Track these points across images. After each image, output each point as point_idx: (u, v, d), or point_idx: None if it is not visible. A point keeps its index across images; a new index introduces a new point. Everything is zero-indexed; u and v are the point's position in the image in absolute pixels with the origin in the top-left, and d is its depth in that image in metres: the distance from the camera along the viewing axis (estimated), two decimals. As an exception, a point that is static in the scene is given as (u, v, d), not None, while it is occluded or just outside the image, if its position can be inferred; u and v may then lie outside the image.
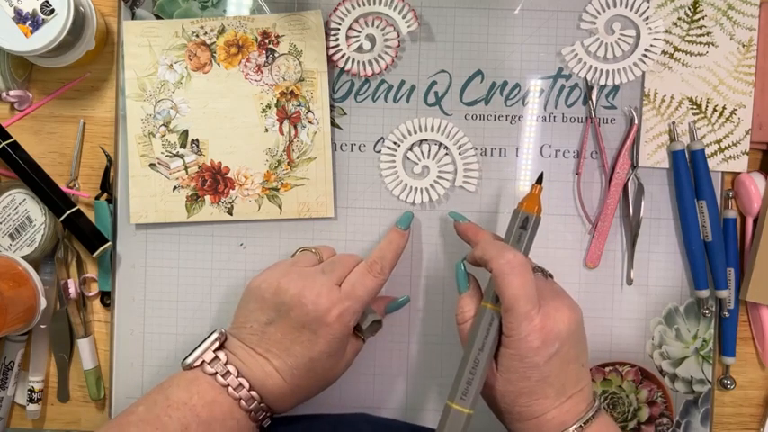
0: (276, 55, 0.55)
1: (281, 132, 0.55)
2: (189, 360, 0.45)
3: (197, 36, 0.54)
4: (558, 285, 0.47)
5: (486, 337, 0.43)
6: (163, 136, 0.55)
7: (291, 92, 0.55)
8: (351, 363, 0.50)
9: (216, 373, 0.45)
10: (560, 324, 0.42)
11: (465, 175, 0.55)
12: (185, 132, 0.55)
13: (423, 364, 0.56)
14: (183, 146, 0.55)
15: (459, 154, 0.55)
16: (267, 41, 0.55)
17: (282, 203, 0.55)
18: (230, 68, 0.55)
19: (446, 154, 0.55)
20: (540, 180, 0.47)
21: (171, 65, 0.55)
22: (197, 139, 0.55)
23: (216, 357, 0.45)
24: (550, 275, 0.48)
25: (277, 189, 0.55)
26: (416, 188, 0.55)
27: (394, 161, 0.55)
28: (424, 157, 0.55)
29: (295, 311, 0.46)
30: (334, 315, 0.45)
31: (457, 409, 0.43)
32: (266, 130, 0.55)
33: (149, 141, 0.55)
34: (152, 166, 0.55)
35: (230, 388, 0.44)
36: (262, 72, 0.55)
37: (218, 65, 0.55)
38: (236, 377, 0.45)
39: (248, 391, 0.45)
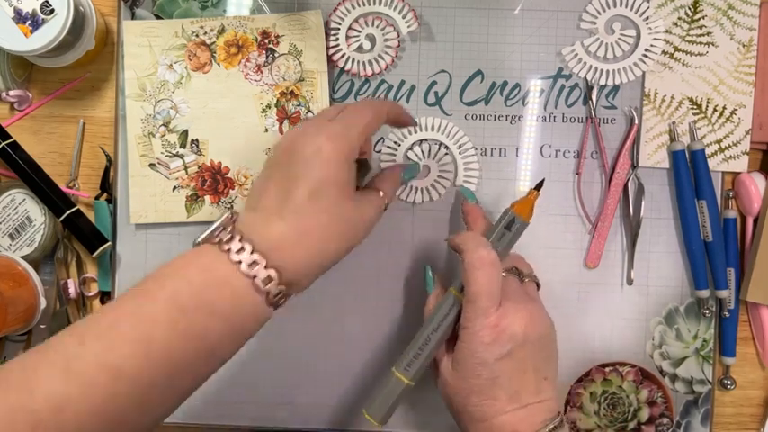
0: (276, 55, 0.55)
1: (282, 132, 0.55)
2: (199, 239, 0.42)
3: (197, 36, 0.54)
4: (534, 294, 0.47)
5: (443, 320, 0.45)
6: (163, 136, 0.55)
7: (291, 92, 0.55)
8: (371, 220, 0.45)
9: (221, 240, 0.40)
10: (516, 326, 0.42)
11: (465, 175, 0.55)
12: (185, 132, 0.55)
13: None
14: (183, 146, 0.55)
15: (460, 153, 0.55)
16: (267, 41, 0.55)
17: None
18: (230, 68, 0.55)
19: (446, 153, 0.55)
20: (539, 186, 0.47)
21: (171, 65, 0.55)
22: (197, 139, 0.55)
23: (223, 229, 0.41)
24: (537, 283, 0.48)
25: None
26: (417, 188, 0.55)
27: (394, 161, 0.55)
28: (424, 157, 0.55)
29: (286, 152, 0.42)
30: (321, 140, 0.41)
31: (398, 377, 0.45)
32: (266, 130, 0.55)
33: (149, 141, 0.55)
34: (152, 166, 0.55)
35: (232, 252, 0.39)
36: (262, 72, 0.55)
37: (218, 65, 0.55)
38: (239, 241, 0.39)
39: (251, 253, 0.39)
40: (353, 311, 0.56)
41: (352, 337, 0.56)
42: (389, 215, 0.55)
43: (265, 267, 0.39)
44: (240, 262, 0.39)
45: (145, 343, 0.36)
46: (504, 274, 0.45)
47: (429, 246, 0.56)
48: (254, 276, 0.39)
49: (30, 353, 0.36)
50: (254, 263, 0.39)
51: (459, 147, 0.55)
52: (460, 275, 0.45)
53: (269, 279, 0.39)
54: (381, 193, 0.47)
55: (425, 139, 0.55)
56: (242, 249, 0.39)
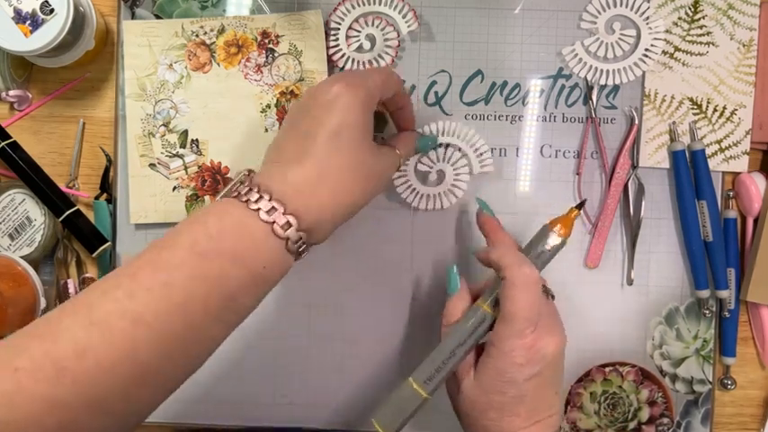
0: (276, 55, 0.55)
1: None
2: (219, 196, 0.42)
3: (197, 36, 0.54)
4: (554, 308, 0.46)
5: (472, 335, 0.43)
6: (162, 136, 0.55)
7: (291, 92, 0.55)
8: (387, 172, 0.46)
9: (239, 193, 0.40)
10: (549, 347, 0.42)
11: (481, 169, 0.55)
12: (185, 132, 0.55)
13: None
14: (183, 146, 0.55)
15: (477, 157, 0.54)
16: (267, 41, 0.55)
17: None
18: (230, 68, 0.55)
19: (461, 156, 0.54)
20: (580, 206, 0.46)
21: (171, 65, 0.55)
22: (197, 139, 0.55)
23: (241, 183, 0.41)
24: (552, 296, 0.48)
25: None
26: (430, 195, 0.55)
27: (406, 166, 0.55)
28: (438, 161, 0.55)
29: (305, 103, 0.43)
30: (338, 86, 0.42)
31: (416, 390, 0.43)
32: (266, 130, 0.55)
33: (149, 141, 0.55)
34: (152, 166, 0.55)
35: (251, 202, 0.39)
36: (261, 72, 0.55)
37: (218, 65, 0.55)
38: (257, 192, 0.39)
39: (269, 200, 0.39)
40: (353, 310, 0.56)
41: (351, 336, 0.56)
42: (389, 215, 0.56)
43: (284, 213, 0.39)
44: (259, 210, 0.39)
45: (164, 289, 0.36)
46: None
47: (430, 243, 0.56)
48: (273, 222, 0.39)
49: (55, 309, 0.37)
50: (273, 209, 0.39)
51: (475, 150, 0.54)
52: (493, 290, 0.44)
53: (288, 225, 0.39)
54: (398, 151, 0.47)
55: (442, 143, 0.55)
56: (260, 198, 0.39)
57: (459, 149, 0.55)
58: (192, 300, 0.36)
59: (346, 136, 0.41)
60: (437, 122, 0.54)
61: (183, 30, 0.54)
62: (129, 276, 0.37)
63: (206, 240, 0.38)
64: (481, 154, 0.54)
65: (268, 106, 0.55)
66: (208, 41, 0.54)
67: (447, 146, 0.55)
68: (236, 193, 0.40)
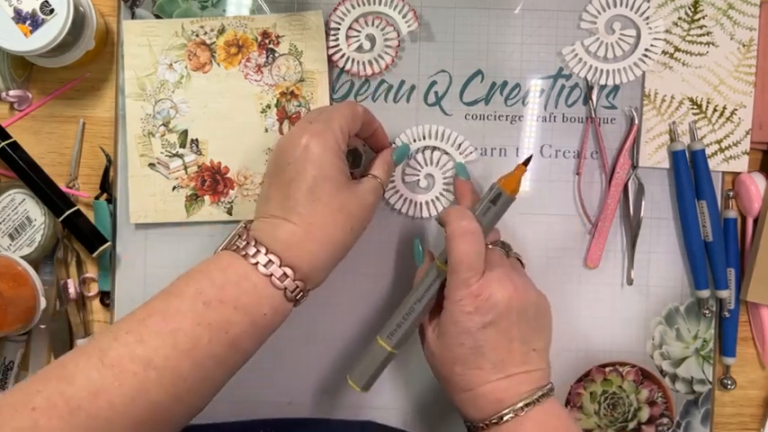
0: (276, 55, 0.55)
1: (281, 133, 0.55)
2: (219, 248, 0.45)
3: (197, 36, 0.54)
4: (520, 269, 0.48)
5: (427, 290, 0.46)
6: (162, 136, 0.55)
7: (291, 92, 0.55)
8: (371, 204, 0.47)
9: (237, 247, 0.43)
10: (498, 295, 0.43)
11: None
12: (185, 132, 0.55)
13: (423, 364, 0.56)
14: (183, 146, 0.55)
15: (462, 157, 0.55)
16: (267, 41, 0.54)
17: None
18: (230, 68, 0.55)
19: (449, 160, 0.55)
20: (527, 162, 0.48)
21: (171, 64, 0.55)
22: (196, 139, 0.55)
23: (239, 237, 0.45)
24: (518, 259, 0.49)
25: None
26: (420, 202, 0.55)
27: (395, 185, 0.55)
28: (427, 165, 0.55)
29: (277, 159, 0.45)
30: (306, 138, 0.44)
31: (381, 345, 0.47)
32: (266, 131, 0.55)
33: (149, 141, 0.55)
34: (151, 165, 0.55)
35: (249, 256, 0.43)
36: (262, 72, 0.55)
37: (218, 65, 0.55)
38: (254, 245, 0.43)
39: (265, 254, 0.43)
40: (353, 311, 0.56)
41: (351, 336, 0.56)
42: (388, 215, 0.56)
43: (280, 266, 0.43)
44: (257, 263, 0.42)
45: (172, 335, 0.39)
46: (489, 246, 0.46)
47: (430, 245, 0.56)
48: (271, 274, 0.42)
49: (68, 353, 0.40)
50: (270, 262, 0.42)
51: (452, 144, 0.55)
52: (446, 247, 0.45)
53: (285, 276, 0.43)
54: (377, 179, 0.49)
55: (427, 147, 0.55)
56: (257, 252, 0.43)
57: (437, 149, 0.55)
58: (198, 345, 0.40)
59: (322, 188, 0.44)
60: (405, 132, 0.55)
61: (184, 29, 0.54)
62: (138, 322, 0.40)
63: (211, 290, 0.41)
64: (459, 145, 0.55)
65: (268, 106, 0.55)
66: (208, 41, 0.54)
67: (429, 149, 0.55)
68: (234, 247, 0.43)
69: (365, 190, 0.47)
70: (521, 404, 0.42)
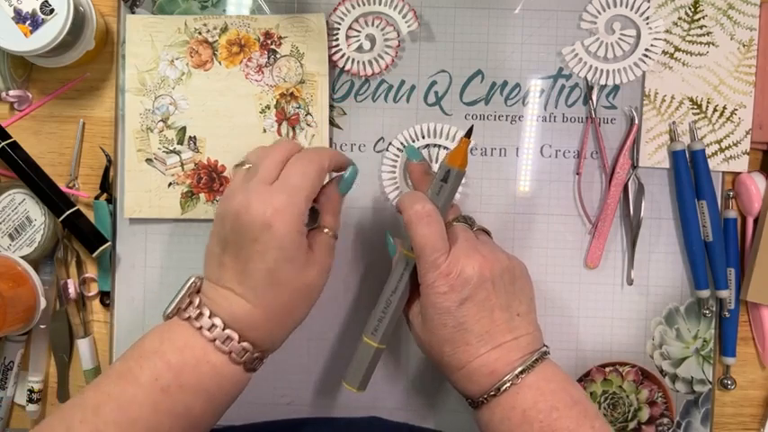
0: (278, 56, 0.55)
1: (279, 134, 0.55)
2: (167, 311, 0.43)
3: (199, 33, 0.54)
4: (486, 239, 0.47)
5: (400, 281, 0.46)
6: (161, 131, 0.55)
7: (291, 93, 0.55)
8: (329, 267, 0.46)
9: (190, 317, 0.42)
10: (469, 269, 0.42)
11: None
12: (183, 129, 0.55)
13: (421, 363, 0.56)
14: (181, 142, 0.55)
15: (448, 140, 0.55)
16: (269, 42, 0.54)
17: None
18: (231, 67, 0.55)
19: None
20: (468, 134, 0.47)
21: (172, 61, 0.55)
22: (194, 137, 0.55)
23: (191, 302, 0.43)
24: (486, 231, 0.48)
25: None
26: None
27: (395, 167, 0.55)
28: (431, 161, 0.55)
29: (234, 229, 0.42)
30: (269, 215, 0.41)
31: (367, 342, 0.46)
32: (264, 131, 0.55)
33: (147, 136, 0.55)
34: (148, 161, 0.55)
35: (204, 330, 0.41)
36: (262, 72, 0.55)
37: (220, 63, 0.55)
38: (209, 317, 0.42)
39: (222, 330, 0.41)
40: (353, 311, 0.56)
41: (351, 336, 0.56)
42: (387, 215, 0.56)
43: (239, 341, 0.42)
44: (215, 339, 0.41)
45: (129, 425, 0.39)
46: (453, 223, 0.46)
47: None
48: (230, 352, 0.42)
49: None
50: (228, 339, 0.42)
51: (447, 138, 0.55)
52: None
53: (244, 351, 0.42)
54: (328, 231, 0.46)
55: (429, 145, 0.55)
56: (213, 326, 0.42)
57: (437, 146, 0.55)
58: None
59: (283, 271, 0.42)
60: (403, 132, 0.55)
61: (186, 26, 0.54)
62: (93, 411, 0.39)
63: (168, 375, 0.40)
64: (454, 136, 0.55)
65: (267, 107, 0.55)
66: (210, 39, 0.54)
67: (429, 147, 0.55)
68: (187, 316, 0.42)
69: (322, 255, 0.45)
70: (516, 371, 0.41)
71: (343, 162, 0.48)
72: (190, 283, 0.44)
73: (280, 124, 0.55)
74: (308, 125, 0.55)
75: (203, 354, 0.41)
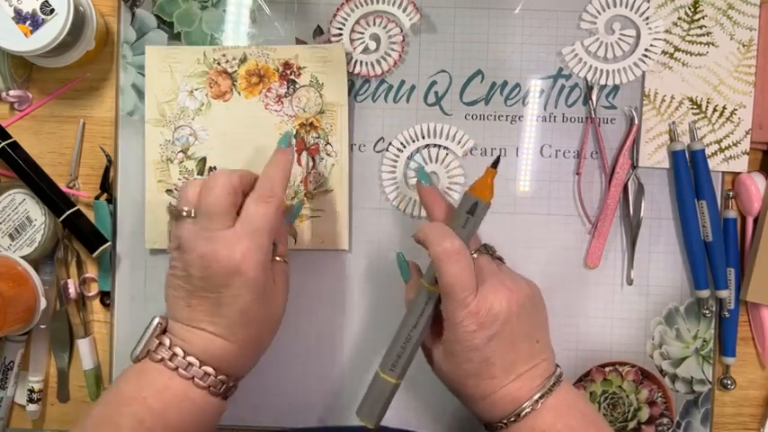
0: (297, 86, 0.54)
1: (300, 164, 0.55)
2: (136, 352, 0.44)
3: (218, 64, 0.54)
4: (505, 267, 0.47)
5: (421, 316, 0.44)
6: (180, 162, 0.55)
7: (311, 123, 0.55)
8: (287, 290, 0.48)
9: (163, 358, 0.43)
10: (497, 306, 0.42)
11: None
12: (203, 159, 0.55)
13: (423, 365, 0.56)
14: (201, 173, 0.55)
15: (448, 140, 0.55)
16: (288, 72, 0.54)
17: (297, 234, 0.55)
18: (251, 97, 0.54)
19: (453, 159, 0.55)
20: (495, 164, 0.45)
21: (191, 91, 0.54)
22: (214, 167, 0.55)
23: (160, 343, 0.44)
24: (500, 258, 0.47)
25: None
26: (417, 201, 0.55)
27: (396, 167, 0.55)
28: (429, 162, 0.55)
29: (203, 278, 0.43)
30: (238, 260, 0.42)
31: (384, 378, 0.45)
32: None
33: (167, 167, 0.55)
34: (168, 191, 0.55)
35: (180, 369, 0.43)
36: (282, 102, 0.54)
37: (239, 93, 0.54)
38: (183, 357, 0.43)
39: (199, 367, 0.43)
40: (353, 311, 0.56)
41: (351, 337, 0.56)
42: (387, 215, 0.56)
43: (216, 376, 0.44)
44: (193, 377, 0.43)
45: None
46: (476, 255, 0.44)
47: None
48: (209, 386, 0.43)
49: None
50: (206, 374, 0.43)
51: (461, 146, 0.55)
52: (431, 268, 0.44)
53: (221, 383, 0.44)
54: (282, 260, 0.49)
55: (428, 145, 0.55)
56: (189, 365, 0.43)
57: (437, 146, 0.55)
58: None
59: (255, 309, 0.44)
60: (403, 133, 0.55)
61: (206, 57, 0.54)
62: None
63: (151, 419, 0.41)
64: (457, 139, 0.55)
65: None
66: (229, 70, 0.54)
67: (429, 147, 0.55)
68: (160, 358, 0.43)
69: (283, 283, 0.48)
70: (536, 397, 0.42)
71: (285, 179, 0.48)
72: (155, 324, 0.45)
73: (300, 154, 0.55)
74: (328, 155, 0.55)
75: (183, 392, 0.43)
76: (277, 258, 0.48)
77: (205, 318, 0.44)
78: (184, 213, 0.45)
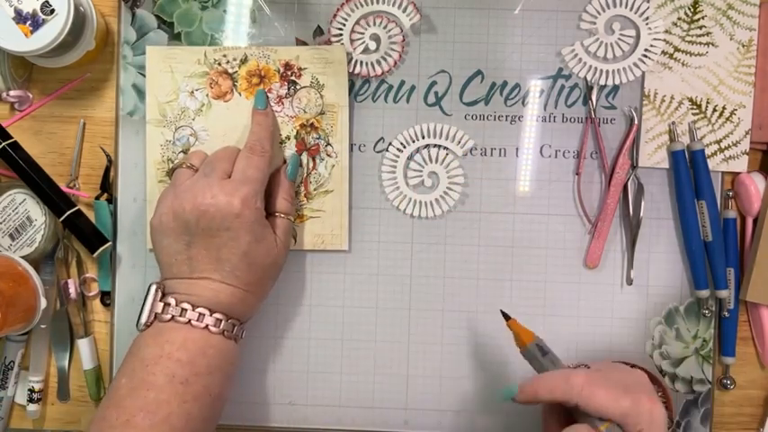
0: (298, 87, 0.54)
1: (300, 164, 0.55)
2: (142, 320, 0.47)
3: (219, 64, 0.54)
4: (644, 375, 0.45)
5: None
6: None
7: (312, 124, 0.55)
8: (288, 247, 0.52)
9: (173, 316, 0.46)
10: (657, 412, 0.42)
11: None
12: None
13: (422, 365, 0.56)
14: None
15: (447, 140, 0.55)
16: (289, 73, 0.54)
17: (297, 234, 0.55)
18: (251, 98, 0.54)
19: (453, 159, 0.55)
20: (507, 317, 0.47)
21: (192, 92, 0.55)
22: None
23: (166, 304, 0.46)
24: (586, 366, 0.46)
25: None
26: (423, 201, 0.55)
27: (395, 167, 0.55)
28: (429, 162, 0.55)
29: (202, 221, 0.46)
30: (237, 204, 0.46)
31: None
32: (284, 161, 0.54)
33: (167, 167, 0.55)
34: None
35: (193, 321, 0.46)
36: (283, 103, 0.55)
37: (240, 94, 0.54)
38: (193, 310, 0.46)
39: (211, 315, 0.46)
40: (353, 311, 0.56)
41: (351, 336, 0.56)
42: (388, 215, 0.56)
43: (227, 320, 0.47)
44: (207, 326, 0.46)
45: (166, 421, 0.43)
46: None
47: (430, 246, 0.56)
48: (224, 330, 0.47)
49: None
50: (218, 320, 0.46)
51: (446, 137, 0.55)
52: (585, 417, 0.42)
53: (233, 326, 0.47)
54: (284, 216, 0.51)
55: (428, 145, 0.55)
56: (201, 315, 0.46)
57: (437, 146, 0.55)
58: (191, 417, 0.44)
59: (256, 251, 0.48)
60: (402, 133, 0.55)
61: (206, 57, 0.54)
62: (124, 425, 0.42)
63: (183, 371, 0.44)
64: (457, 139, 0.55)
65: (287, 138, 0.55)
66: (230, 70, 0.54)
67: (428, 147, 0.55)
68: (170, 316, 0.46)
69: (284, 236, 0.51)
70: None
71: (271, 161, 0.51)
72: (154, 290, 0.47)
73: (300, 155, 0.55)
74: (329, 155, 0.55)
75: (204, 340, 0.46)
76: (281, 215, 0.51)
77: (208, 266, 0.47)
78: (185, 166, 0.50)
